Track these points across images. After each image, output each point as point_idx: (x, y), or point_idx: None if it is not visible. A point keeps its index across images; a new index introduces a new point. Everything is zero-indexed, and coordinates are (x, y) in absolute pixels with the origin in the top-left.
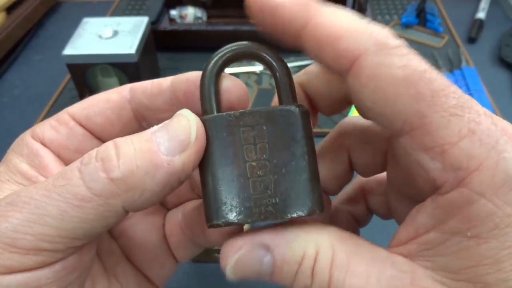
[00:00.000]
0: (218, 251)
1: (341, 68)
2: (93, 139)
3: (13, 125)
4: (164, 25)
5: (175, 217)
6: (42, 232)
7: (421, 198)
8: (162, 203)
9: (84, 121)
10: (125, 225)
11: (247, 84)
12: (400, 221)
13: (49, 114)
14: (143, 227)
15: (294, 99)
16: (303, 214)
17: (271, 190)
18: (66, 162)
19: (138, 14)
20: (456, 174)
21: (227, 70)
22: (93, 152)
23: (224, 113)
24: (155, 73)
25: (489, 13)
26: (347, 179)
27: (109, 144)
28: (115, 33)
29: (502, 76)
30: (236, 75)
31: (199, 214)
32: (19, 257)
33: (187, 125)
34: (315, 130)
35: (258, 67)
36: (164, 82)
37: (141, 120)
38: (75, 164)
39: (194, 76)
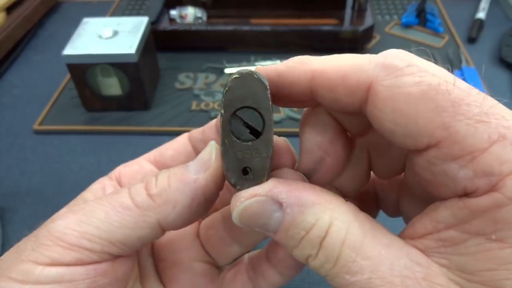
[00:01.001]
0: None
1: (357, 103)
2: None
3: (13, 125)
4: (164, 25)
5: (241, 264)
6: (87, 230)
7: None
8: (207, 253)
9: (157, 158)
10: (174, 271)
11: None
12: (408, 221)
13: (49, 114)
14: (191, 273)
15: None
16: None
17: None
18: None
19: (138, 14)
20: (488, 180)
21: (228, 70)
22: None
23: None
24: (155, 73)
25: (489, 13)
26: (365, 181)
27: (158, 173)
28: (115, 33)
29: (502, 76)
30: None
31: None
32: (62, 251)
33: (209, 149)
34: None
35: None
36: (213, 121)
37: (197, 152)
38: (127, 185)
39: None
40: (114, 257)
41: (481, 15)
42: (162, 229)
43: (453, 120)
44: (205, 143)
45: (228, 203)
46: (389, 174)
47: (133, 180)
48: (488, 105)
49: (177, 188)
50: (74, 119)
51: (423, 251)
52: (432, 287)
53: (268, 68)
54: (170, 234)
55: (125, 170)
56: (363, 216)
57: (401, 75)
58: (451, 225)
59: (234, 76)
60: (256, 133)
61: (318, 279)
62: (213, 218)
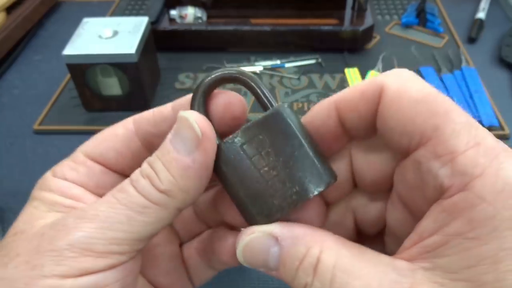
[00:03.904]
0: None
1: (374, 110)
2: (111, 173)
3: (13, 125)
4: (164, 25)
5: (192, 245)
6: (114, 236)
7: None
8: (176, 234)
9: (98, 158)
10: (148, 255)
11: None
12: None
13: (49, 114)
14: (163, 258)
15: (271, 103)
16: (323, 188)
17: (288, 182)
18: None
19: (138, 14)
20: (462, 178)
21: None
22: (137, 171)
23: (223, 141)
24: (155, 73)
25: (489, 13)
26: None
27: (145, 164)
28: (115, 33)
29: (502, 76)
30: None
31: (211, 242)
32: (92, 260)
33: (189, 124)
34: None
35: (258, 67)
36: (165, 109)
37: (150, 147)
38: (127, 182)
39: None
40: (136, 253)
41: (481, 15)
42: (180, 210)
43: (442, 123)
44: (161, 138)
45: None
46: (375, 228)
47: (86, 185)
48: (473, 120)
49: (182, 177)
50: (74, 119)
51: (409, 260)
52: None
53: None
54: None
55: (72, 174)
56: (350, 243)
57: (407, 81)
58: (433, 231)
59: None
60: None
61: None
62: None
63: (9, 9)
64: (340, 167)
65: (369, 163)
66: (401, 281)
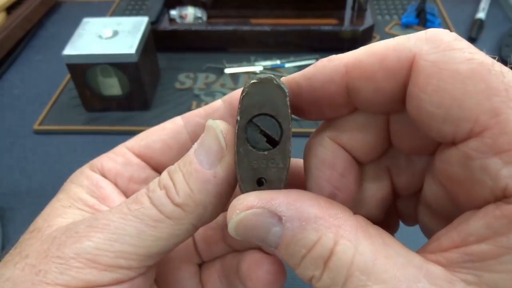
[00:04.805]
0: None
1: (400, 87)
2: (147, 169)
3: (13, 125)
4: (164, 25)
5: (213, 267)
6: (122, 249)
7: (455, 216)
8: (198, 253)
9: (143, 151)
10: (163, 271)
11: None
12: (427, 234)
13: (49, 114)
14: (180, 275)
15: None
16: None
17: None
18: (122, 190)
19: (138, 14)
20: None
21: (228, 70)
22: (156, 181)
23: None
24: (155, 73)
25: (489, 13)
26: (390, 201)
27: (165, 173)
28: (115, 33)
29: None
30: (236, 75)
31: (239, 266)
32: (97, 273)
33: (215, 135)
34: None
35: (258, 67)
36: (215, 102)
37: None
38: (143, 191)
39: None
40: (145, 270)
41: (481, 15)
42: (196, 228)
43: (505, 107)
44: None
45: None
46: (411, 190)
47: (120, 176)
48: None
49: (201, 191)
50: (74, 119)
51: (445, 266)
52: None
53: (295, 74)
54: None
55: (109, 164)
56: (374, 231)
57: (449, 49)
58: (483, 238)
59: (252, 81)
60: (273, 142)
61: None
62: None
63: (9, 9)
64: (375, 124)
65: (407, 127)
66: None
